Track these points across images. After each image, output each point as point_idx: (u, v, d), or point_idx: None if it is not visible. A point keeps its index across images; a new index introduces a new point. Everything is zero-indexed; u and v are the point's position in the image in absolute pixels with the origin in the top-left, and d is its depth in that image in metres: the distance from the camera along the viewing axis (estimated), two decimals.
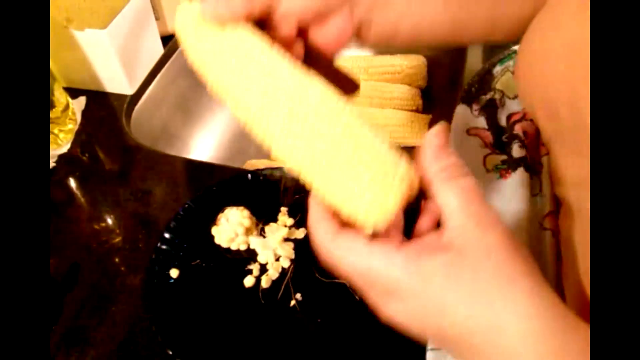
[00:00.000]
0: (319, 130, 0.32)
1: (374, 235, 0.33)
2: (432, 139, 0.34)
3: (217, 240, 0.54)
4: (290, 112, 0.33)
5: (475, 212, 0.31)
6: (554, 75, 0.42)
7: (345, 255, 0.33)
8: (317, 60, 0.44)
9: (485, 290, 0.30)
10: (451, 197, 0.32)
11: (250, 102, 0.34)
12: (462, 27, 0.47)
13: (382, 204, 0.31)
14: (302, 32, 0.42)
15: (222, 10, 0.38)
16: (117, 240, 0.60)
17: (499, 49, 0.69)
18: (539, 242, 0.50)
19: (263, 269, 0.53)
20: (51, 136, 0.66)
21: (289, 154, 0.33)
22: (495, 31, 0.49)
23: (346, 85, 0.47)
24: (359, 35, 0.45)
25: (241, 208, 0.55)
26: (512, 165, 0.55)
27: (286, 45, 0.41)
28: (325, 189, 0.33)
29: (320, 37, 0.43)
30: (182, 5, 0.39)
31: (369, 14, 0.43)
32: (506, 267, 0.30)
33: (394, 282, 0.32)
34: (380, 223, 0.32)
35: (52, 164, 0.66)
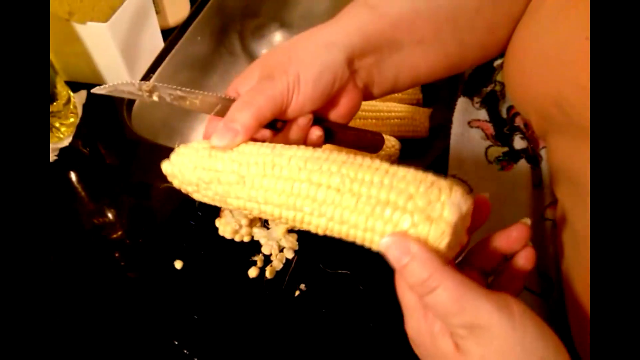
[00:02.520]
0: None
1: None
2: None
3: (221, 232, 0.54)
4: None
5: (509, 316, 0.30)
6: (539, 78, 0.43)
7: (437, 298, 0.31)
8: (336, 133, 0.44)
9: None
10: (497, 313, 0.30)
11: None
12: (458, 61, 0.48)
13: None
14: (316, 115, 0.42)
15: (233, 131, 0.37)
16: (118, 234, 0.60)
17: None
18: (541, 232, 0.50)
19: (267, 260, 0.53)
20: (52, 130, 0.66)
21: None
22: (488, 53, 0.49)
23: (372, 142, 0.48)
24: (364, 97, 0.45)
25: None
26: (513, 156, 0.56)
27: (304, 135, 0.41)
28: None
29: (334, 114, 0.44)
30: (178, 150, 0.38)
31: (371, 77, 0.44)
32: None
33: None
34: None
35: (53, 158, 0.66)
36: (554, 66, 0.40)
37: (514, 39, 0.46)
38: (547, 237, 0.49)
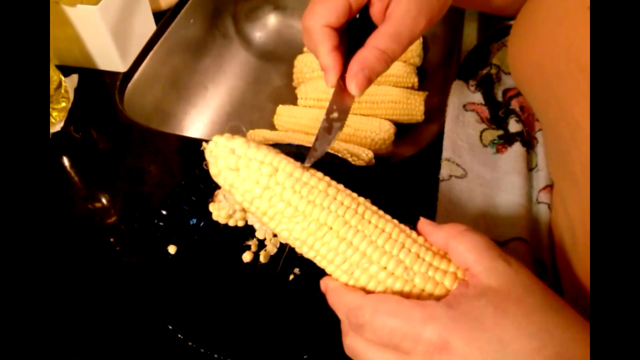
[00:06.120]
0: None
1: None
2: (424, 220, 0.37)
3: (214, 217, 0.54)
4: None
5: (500, 254, 0.32)
6: (540, 51, 0.43)
7: (380, 310, 0.32)
8: None
9: (539, 322, 0.30)
10: (468, 247, 0.33)
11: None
12: None
13: None
14: None
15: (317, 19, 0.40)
16: (112, 219, 0.59)
17: (494, 24, 0.69)
18: (535, 216, 0.50)
19: (261, 244, 0.53)
20: None
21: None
22: None
23: None
24: None
25: None
26: (508, 140, 0.55)
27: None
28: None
29: None
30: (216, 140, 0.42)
31: None
32: (549, 300, 0.31)
33: (440, 336, 0.30)
34: None
35: None
36: (553, 38, 0.41)
37: (524, 10, 0.47)
38: (541, 220, 0.49)
